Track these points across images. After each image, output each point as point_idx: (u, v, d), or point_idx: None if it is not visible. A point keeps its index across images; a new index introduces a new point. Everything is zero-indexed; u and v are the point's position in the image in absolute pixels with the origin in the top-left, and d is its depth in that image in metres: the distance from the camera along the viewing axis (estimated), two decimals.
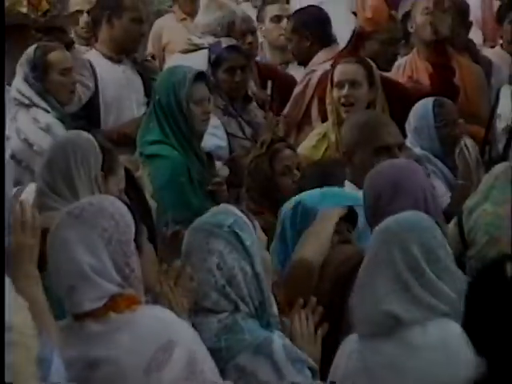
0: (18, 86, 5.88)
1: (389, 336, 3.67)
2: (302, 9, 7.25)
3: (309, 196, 4.51)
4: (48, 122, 5.73)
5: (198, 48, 6.45)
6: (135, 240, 3.46)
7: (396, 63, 6.61)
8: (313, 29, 6.78)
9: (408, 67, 6.45)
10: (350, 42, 6.39)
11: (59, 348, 3.19)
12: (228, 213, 3.83)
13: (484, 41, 7.82)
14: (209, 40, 6.50)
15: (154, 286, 3.59)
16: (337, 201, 4.46)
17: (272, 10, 7.51)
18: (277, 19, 7.36)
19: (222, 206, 4.10)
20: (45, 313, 3.31)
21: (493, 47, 7.73)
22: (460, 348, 3.47)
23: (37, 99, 5.81)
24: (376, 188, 4.36)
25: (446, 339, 3.62)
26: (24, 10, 5.86)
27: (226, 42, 6.38)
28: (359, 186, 4.60)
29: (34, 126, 5.76)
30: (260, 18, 7.55)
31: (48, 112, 5.78)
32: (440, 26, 6.21)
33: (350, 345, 3.78)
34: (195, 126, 5.43)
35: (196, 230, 3.75)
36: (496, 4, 8.12)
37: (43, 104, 5.81)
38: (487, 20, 8.01)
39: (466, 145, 5.73)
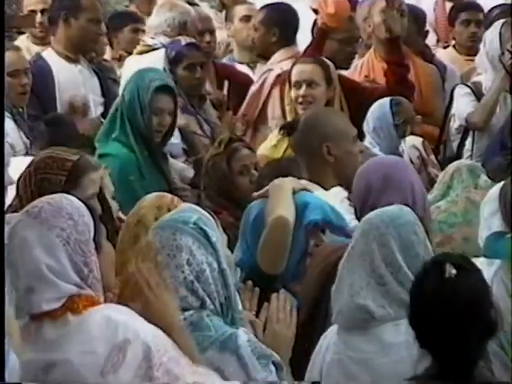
0: None
1: (363, 331, 3.68)
2: (274, 3, 7.23)
3: None
4: None
5: (151, 49, 6.40)
6: (94, 240, 3.38)
7: (354, 63, 6.66)
8: (281, 26, 6.77)
9: (365, 67, 6.49)
10: (315, 38, 6.37)
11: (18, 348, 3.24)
12: (191, 210, 3.81)
13: (437, 41, 7.88)
14: (161, 40, 6.45)
15: (113, 286, 3.53)
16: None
17: (241, 11, 7.51)
18: (246, 19, 7.34)
19: (184, 204, 4.06)
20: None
21: (446, 47, 7.79)
22: None
23: None
24: (367, 181, 4.36)
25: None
26: None
27: (185, 39, 6.36)
28: (342, 177, 4.61)
29: None
30: (229, 18, 7.57)
31: None
32: (393, 25, 6.20)
33: (330, 336, 3.78)
34: (151, 134, 5.44)
35: (161, 227, 3.68)
36: (448, 6, 8.12)
37: None
38: (440, 21, 8.06)
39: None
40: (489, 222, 4.61)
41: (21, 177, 4.50)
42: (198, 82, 6.24)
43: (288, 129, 5.27)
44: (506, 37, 6.27)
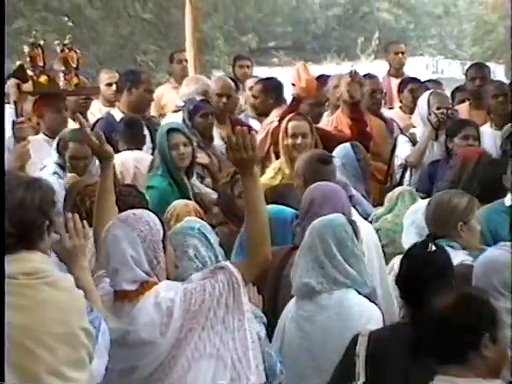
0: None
1: (309, 299, 4.02)
2: (266, 78, 7.76)
3: None
4: None
5: (180, 109, 6.86)
6: (163, 242, 3.64)
7: (326, 118, 7.07)
8: (275, 92, 7.32)
9: (335, 121, 6.85)
10: (291, 103, 6.77)
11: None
12: (196, 221, 4.10)
13: (384, 103, 8.26)
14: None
15: (171, 273, 3.72)
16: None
17: (249, 83, 8.01)
18: (251, 88, 7.80)
19: (189, 217, 4.39)
20: (94, 293, 3.45)
21: (390, 108, 8.35)
22: (352, 307, 3.95)
23: None
24: (312, 196, 4.58)
25: (343, 302, 3.98)
26: (61, 83, 6.18)
27: (199, 97, 6.81)
28: None
29: None
30: (243, 88, 8.11)
31: None
32: (354, 93, 6.63)
33: (291, 304, 4.15)
34: (176, 163, 5.77)
35: (176, 233, 3.95)
36: (393, 79, 8.88)
37: None
38: (387, 90, 8.44)
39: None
40: (408, 229, 5.00)
41: None
42: (210, 126, 6.59)
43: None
44: (431, 102, 6.74)
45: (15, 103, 5.86)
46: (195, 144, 6.00)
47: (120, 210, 3.91)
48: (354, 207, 5.18)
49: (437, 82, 8.36)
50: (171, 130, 5.85)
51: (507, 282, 3.80)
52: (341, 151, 6.05)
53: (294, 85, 6.91)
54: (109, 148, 4.16)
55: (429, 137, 6.73)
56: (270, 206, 4.46)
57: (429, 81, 8.47)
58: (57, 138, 5.83)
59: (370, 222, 5.42)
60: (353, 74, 6.75)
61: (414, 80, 8.33)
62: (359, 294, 3.99)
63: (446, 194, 4.79)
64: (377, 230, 5.25)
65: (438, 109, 6.78)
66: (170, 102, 7.85)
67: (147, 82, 7.07)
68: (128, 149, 6.39)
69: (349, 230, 4.06)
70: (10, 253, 3.06)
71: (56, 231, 3.45)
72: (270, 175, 6.09)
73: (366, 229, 4.58)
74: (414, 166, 6.76)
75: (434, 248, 3.61)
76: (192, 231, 3.92)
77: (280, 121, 6.44)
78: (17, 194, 3.07)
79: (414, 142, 6.88)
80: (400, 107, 8.06)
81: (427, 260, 3.60)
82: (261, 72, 10.02)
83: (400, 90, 8.19)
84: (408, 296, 3.61)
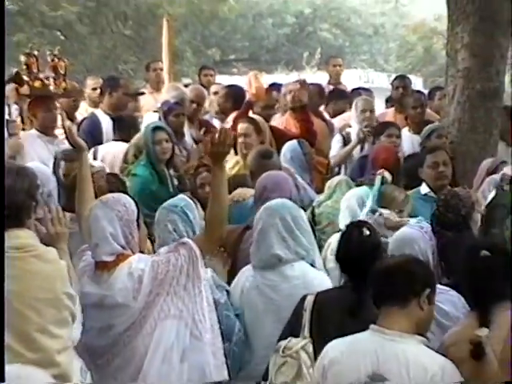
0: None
1: (273, 269, 3.93)
2: (231, 85, 7.77)
3: None
4: None
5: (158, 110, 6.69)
6: (137, 221, 3.62)
7: (278, 119, 6.95)
8: (235, 97, 7.25)
9: (285, 122, 6.75)
10: (243, 107, 6.65)
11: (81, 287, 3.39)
12: (182, 199, 4.11)
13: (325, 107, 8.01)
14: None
15: (143, 248, 3.75)
16: None
17: (212, 89, 8.00)
18: (215, 94, 7.85)
19: (180, 195, 4.39)
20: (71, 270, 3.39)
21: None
22: (314, 278, 3.92)
23: None
24: (264, 183, 4.56)
25: (306, 273, 3.93)
26: (51, 87, 6.14)
27: (173, 100, 6.70)
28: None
29: None
30: (209, 93, 7.90)
31: None
32: (302, 97, 6.55)
33: (246, 272, 4.03)
34: (158, 157, 5.68)
35: (162, 208, 4.02)
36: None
37: None
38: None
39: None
40: (344, 212, 4.95)
41: None
42: (181, 125, 6.49)
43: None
44: (358, 105, 6.83)
45: (8, 105, 5.84)
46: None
47: (104, 193, 3.86)
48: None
49: (367, 90, 8.36)
50: (156, 128, 5.77)
51: (416, 255, 3.81)
52: (289, 146, 6.02)
53: (246, 91, 6.89)
54: (81, 141, 4.12)
55: (354, 146, 6.73)
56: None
57: (361, 88, 8.50)
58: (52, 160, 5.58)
59: (313, 207, 5.40)
60: (301, 82, 6.71)
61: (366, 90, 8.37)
62: (311, 265, 3.95)
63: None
64: (319, 214, 5.27)
65: (364, 111, 6.78)
66: (146, 104, 7.74)
67: (125, 86, 6.99)
68: (116, 140, 6.34)
69: (301, 211, 4.03)
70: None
71: (40, 221, 3.41)
72: (229, 166, 6.02)
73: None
74: (337, 166, 6.78)
75: (367, 232, 3.61)
76: (175, 208, 3.93)
77: (234, 121, 6.40)
78: (7, 180, 2.99)
79: (347, 140, 6.84)
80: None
81: (361, 241, 3.61)
82: (222, 80, 9.94)
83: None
84: (346, 269, 3.64)
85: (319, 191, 5.80)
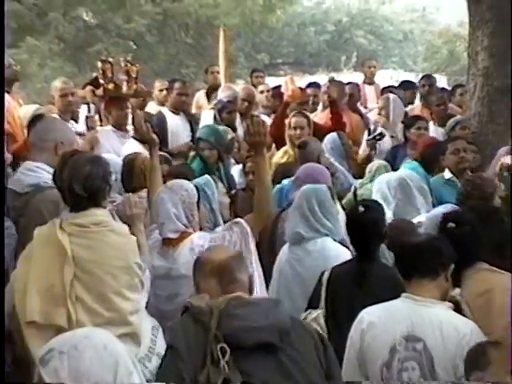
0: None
1: (298, 245, 3.89)
2: (277, 86, 7.61)
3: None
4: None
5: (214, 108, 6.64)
6: (197, 203, 3.64)
7: (320, 114, 6.90)
8: (281, 96, 6.98)
9: (325, 116, 6.71)
10: (282, 106, 6.51)
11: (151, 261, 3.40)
12: (203, 179, 4.17)
13: (360, 104, 7.99)
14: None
15: (203, 226, 3.73)
16: None
17: (261, 88, 7.75)
18: (262, 92, 7.66)
19: (204, 176, 4.38)
20: (145, 247, 3.45)
21: (365, 107, 8.04)
22: (331, 251, 3.84)
23: None
24: (298, 174, 4.52)
25: (325, 248, 3.87)
26: (124, 89, 6.10)
27: (226, 99, 6.63)
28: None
29: None
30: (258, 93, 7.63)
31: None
32: (331, 93, 6.46)
33: (284, 249, 4.02)
34: (204, 160, 5.45)
35: (195, 183, 3.94)
36: (366, 87, 8.54)
37: None
38: (362, 94, 8.24)
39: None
40: (376, 195, 4.80)
41: None
42: (233, 120, 6.42)
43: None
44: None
45: (88, 104, 5.89)
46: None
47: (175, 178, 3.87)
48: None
49: (397, 88, 8.26)
50: (199, 139, 5.60)
51: None
52: (330, 138, 5.96)
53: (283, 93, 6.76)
54: (154, 136, 4.09)
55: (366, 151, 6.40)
56: None
57: (392, 87, 8.40)
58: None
59: (355, 189, 5.36)
60: (331, 79, 6.67)
61: (409, 82, 8.38)
62: (334, 240, 3.88)
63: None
64: (360, 195, 5.16)
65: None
66: (205, 103, 7.73)
67: (181, 88, 6.87)
68: None
69: (328, 195, 3.96)
70: (82, 210, 3.04)
71: (118, 205, 3.49)
72: (279, 155, 5.97)
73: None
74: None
75: (362, 209, 3.53)
76: (196, 186, 3.80)
77: (275, 118, 6.35)
78: (86, 167, 3.03)
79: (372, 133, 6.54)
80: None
81: (357, 217, 3.56)
82: (271, 81, 9.81)
83: (382, 93, 7.91)
84: (352, 243, 3.60)
85: (357, 176, 5.75)
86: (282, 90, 6.85)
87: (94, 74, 6.35)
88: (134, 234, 3.24)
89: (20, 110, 6.36)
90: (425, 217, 4.15)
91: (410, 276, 2.91)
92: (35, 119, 3.89)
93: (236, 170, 5.80)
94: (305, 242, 3.85)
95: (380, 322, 2.85)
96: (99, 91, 6.21)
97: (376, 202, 3.80)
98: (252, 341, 2.32)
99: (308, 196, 3.90)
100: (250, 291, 2.57)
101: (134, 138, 5.75)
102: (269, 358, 2.34)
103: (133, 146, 5.72)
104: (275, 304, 2.46)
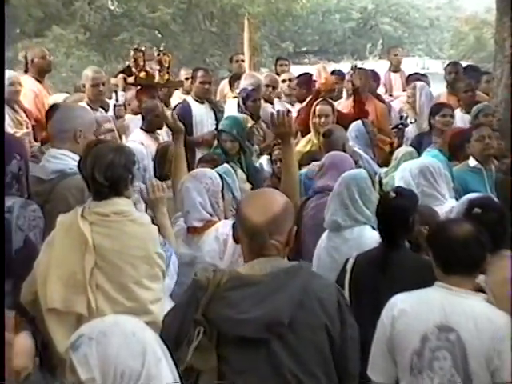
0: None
1: (336, 232, 3.86)
2: (303, 74, 7.60)
3: None
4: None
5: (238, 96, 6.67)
6: (222, 192, 3.67)
7: (344, 102, 6.92)
8: (307, 84, 7.13)
9: (344, 103, 6.78)
10: (314, 94, 6.45)
11: (176, 248, 3.39)
12: (223, 167, 4.11)
13: (385, 92, 8.14)
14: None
15: (228, 215, 3.73)
16: None
17: (283, 77, 7.68)
18: (284, 81, 7.57)
19: (224, 164, 4.34)
20: (170, 230, 3.47)
21: (391, 95, 8.11)
22: (368, 239, 3.76)
23: None
24: (323, 162, 4.51)
25: (362, 236, 3.81)
26: (157, 78, 6.18)
27: (250, 87, 6.61)
28: None
29: None
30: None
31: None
32: (355, 81, 6.43)
33: (323, 236, 3.97)
34: (225, 152, 5.40)
35: (217, 171, 3.90)
36: (392, 74, 8.53)
37: None
38: (387, 83, 8.36)
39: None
40: (399, 182, 4.66)
41: None
42: (258, 108, 6.42)
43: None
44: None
45: (115, 92, 5.85)
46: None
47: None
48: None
49: (423, 75, 8.20)
50: (220, 131, 5.56)
51: None
52: (354, 126, 5.91)
53: (315, 81, 6.77)
54: (180, 124, 4.09)
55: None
56: None
57: (418, 74, 8.38)
58: None
59: (380, 177, 5.19)
60: (354, 68, 6.60)
61: (420, 75, 8.24)
62: (373, 229, 3.80)
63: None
64: (386, 183, 5.08)
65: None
66: (229, 92, 7.71)
67: (202, 76, 6.82)
68: None
69: (368, 183, 3.89)
70: (104, 199, 3.02)
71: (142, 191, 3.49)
72: (303, 144, 5.95)
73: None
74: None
75: (393, 194, 3.48)
76: (217, 174, 3.82)
77: (307, 105, 6.26)
78: (108, 156, 3.01)
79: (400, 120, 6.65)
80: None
81: (387, 203, 3.51)
82: (296, 69, 9.73)
83: (407, 83, 7.92)
84: (379, 228, 3.53)
85: (382, 164, 5.72)
86: (315, 77, 6.85)
87: (127, 63, 6.43)
88: (157, 218, 3.28)
89: (49, 98, 6.41)
90: (455, 202, 4.11)
91: (450, 268, 2.82)
92: (52, 109, 3.90)
93: (265, 160, 5.83)
94: (342, 229, 3.81)
95: (412, 309, 2.79)
96: (130, 79, 6.25)
97: (410, 190, 3.72)
98: (233, 334, 2.26)
99: (348, 184, 3.84)
100: (288, 245, 2.42)
101: (142, 129, 5.77)
102: (258, 346, 2.26)
103: (138, 136, 5.74)
104: (282, 284, 2.30)
